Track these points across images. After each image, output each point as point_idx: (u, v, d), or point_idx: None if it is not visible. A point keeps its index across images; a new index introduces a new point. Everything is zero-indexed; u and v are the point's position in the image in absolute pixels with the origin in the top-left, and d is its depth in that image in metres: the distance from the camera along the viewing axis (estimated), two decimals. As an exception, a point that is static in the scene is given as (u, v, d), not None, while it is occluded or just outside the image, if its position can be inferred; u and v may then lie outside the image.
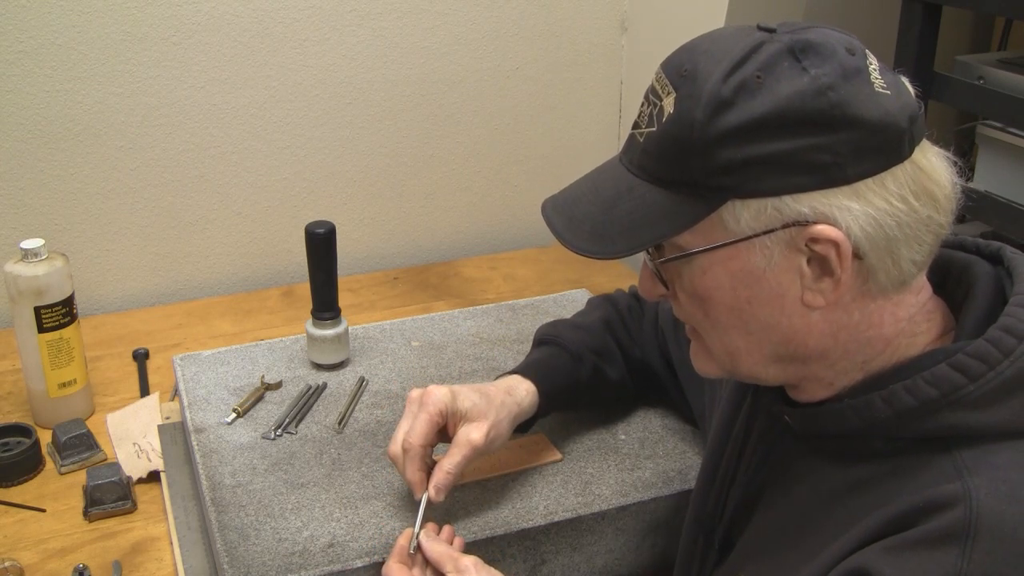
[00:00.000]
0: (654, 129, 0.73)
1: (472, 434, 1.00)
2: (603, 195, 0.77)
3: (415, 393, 1.02)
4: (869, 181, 0.70)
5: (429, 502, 0.99)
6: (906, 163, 0.71)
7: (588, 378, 1.13)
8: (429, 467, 1.01)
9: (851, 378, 0.77)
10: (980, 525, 0.66)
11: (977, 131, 1.38)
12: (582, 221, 0.78)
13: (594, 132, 1.91)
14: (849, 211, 0.69)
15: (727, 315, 0.76)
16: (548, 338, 1.16)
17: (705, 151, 0.70)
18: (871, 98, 0.69)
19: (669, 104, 0.72)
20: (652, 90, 0.75)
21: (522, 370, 1.10)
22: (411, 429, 0.99)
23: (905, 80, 0.74)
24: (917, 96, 0.74)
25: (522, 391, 1.07)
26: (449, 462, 0.99)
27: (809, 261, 0.72)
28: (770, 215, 0.70)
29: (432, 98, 1.77)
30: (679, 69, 0.72)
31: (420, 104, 1.77)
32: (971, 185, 1.37)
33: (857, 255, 0.71)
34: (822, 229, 0.70)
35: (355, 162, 1.76)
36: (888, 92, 0.70)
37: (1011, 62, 1.33)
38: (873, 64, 0.71)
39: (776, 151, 0.69)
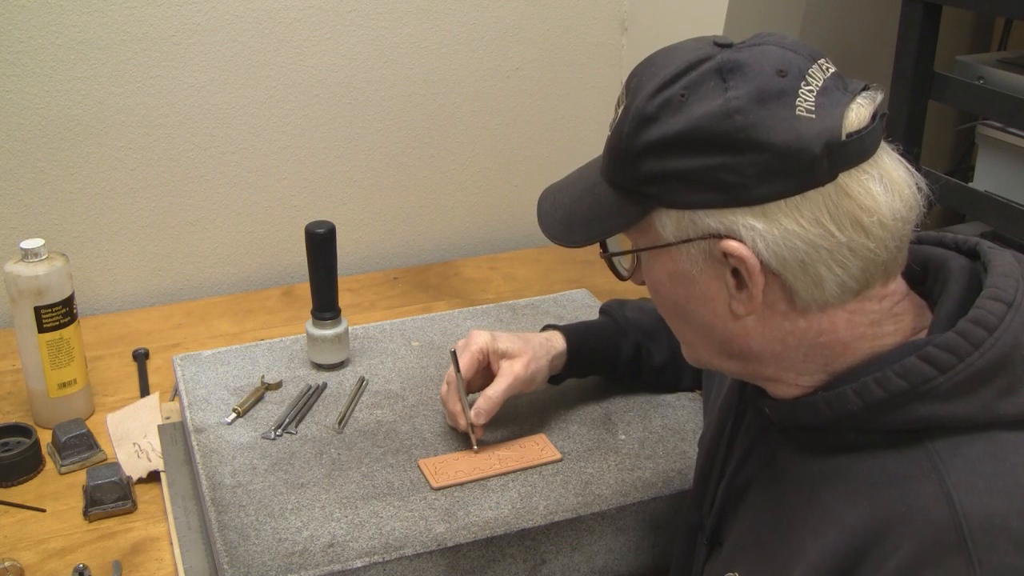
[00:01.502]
0: (609, 133, 0.79)
1: (516, 366, 1.13)
2: (578, 187, 0.85)
3: (460, 342, 1.16)
4: (780, 203, 0.71)
5: (473, 429, 1.13)
6: (828, 187, 0.71)
7: (629, 354, 1.22)
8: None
9: (816, 379, 0.78)
10: (971, 527, 0.66)
11: (977, 131, 1.38)
12: (558, 210, 0.86)
13: (594, 132, 1.91)
14: (754, 230, 0.72)
15: (674, 310, 0.81)
16: (606, 310, 1.27)
17: (631, 161, 0.75)
18: (784, 123, 0.70)
19: (619, 113, 0.78)
20: (618, 97, 0.79)
21: (562, 327, 1.22)
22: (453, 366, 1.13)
23: (861, 100, 0.72)
24: (876, 118, 0.72)
25: (556, 341, 1.19)
26: (492, 389, 1.13)
27: (733, 272, 0.74)
28: (687, 226, 0.74)
29: (432, 98, 1.77)
30: (631, 81, 0.78)
31: (420, 104, 1.77)
32: (971, 185, 1.37)
33: (771, 272, 0.73)
34: (731, 245, 0.72)
35: (355, 162, 1.76)
36: (812, 116, 0.70)
37: (1011, 62, 1.33)
38: (812, 85, 0.71)
39: (688, 168, 0.72)
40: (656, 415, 1.22)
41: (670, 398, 1.25)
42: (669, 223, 0.75)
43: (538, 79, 1.84)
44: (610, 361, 1.22)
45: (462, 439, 1.17)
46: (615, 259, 0.85)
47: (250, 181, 1.70)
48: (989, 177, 1.36)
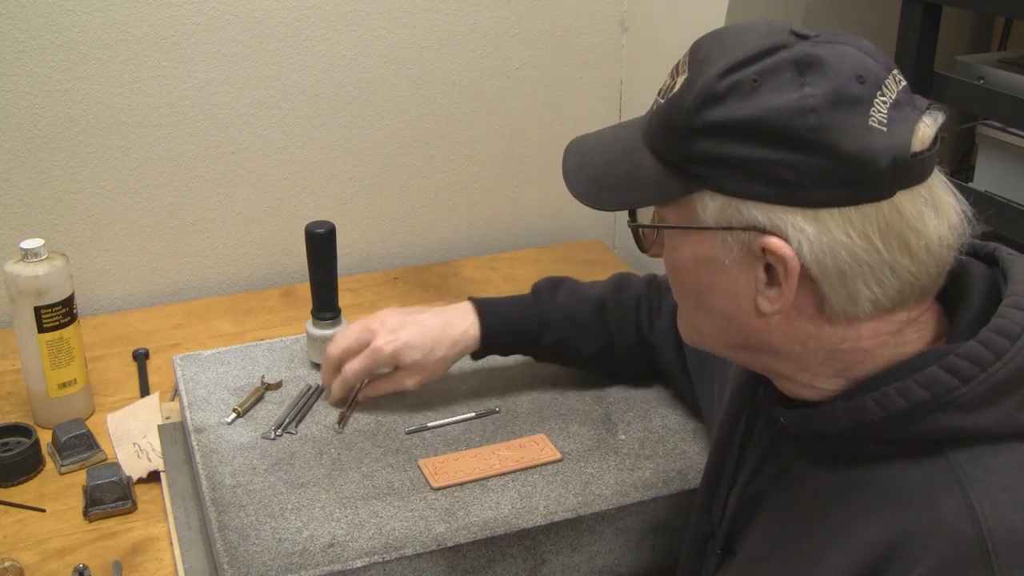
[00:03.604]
0: (662, 101, 0.76)
1: (407, 380, 1.19)
2: (614, 149, 0.81)
3: (374, 340, 1.18)
4: (833, 211, 0.69)
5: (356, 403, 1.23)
6: (883, 203, 0.69)
7: (552, 343, 1.21)
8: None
9: (834, 383, 0.77)
10: (995, 541, 0.65)
11: (977, 131, 1.38)
12: (587, 168, 0.83)
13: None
14: (803, 232, 0.70)
15: (692, 294, 0.79)
16: (537, 290, 1.23)
17: (687, 137, 0.72)
18: (856, 131, 0.68)
19: (678, 83, 0.74)
20: (676, 65, 0.76)
21: (481, 307, 1.21)
22: (353, 367, 1.18)
23: (927, 120, 0.72)
24: (936, 140, 0.72)
25: (461, 329, 1.19)
26: (382, 384, 1.21)
27: (767, 268, 0.73)
28: (731, 214, 0.72)
29: (432, 98, 1.77)
30: (698, 52, 0.74)
31: (420, 104, 1.77)
32: (971, 185, 1.37)
33: (808, 277, 0.71)
34: (774, 242, 0.71)
35: (355, 162, 1.76)
36: (883, 129, 0.69)
37: (1011, 62, 1.33)
38: (887, 97, 0.70)
39: (747, 156, 0.70)
40: (656, 415, 1.22)
41: (670, 398, 1.25)
42: (712, 206, 0.73)
43: (538, 79, 1.84)
44: (530, 348, 1.23)
45: (462, 439, 1.17)
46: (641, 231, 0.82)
47: (250, 181, 1.70)
48: (989, 177, 1.35)
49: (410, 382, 1.19)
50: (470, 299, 1.22)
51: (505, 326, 1.20)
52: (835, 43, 0.71)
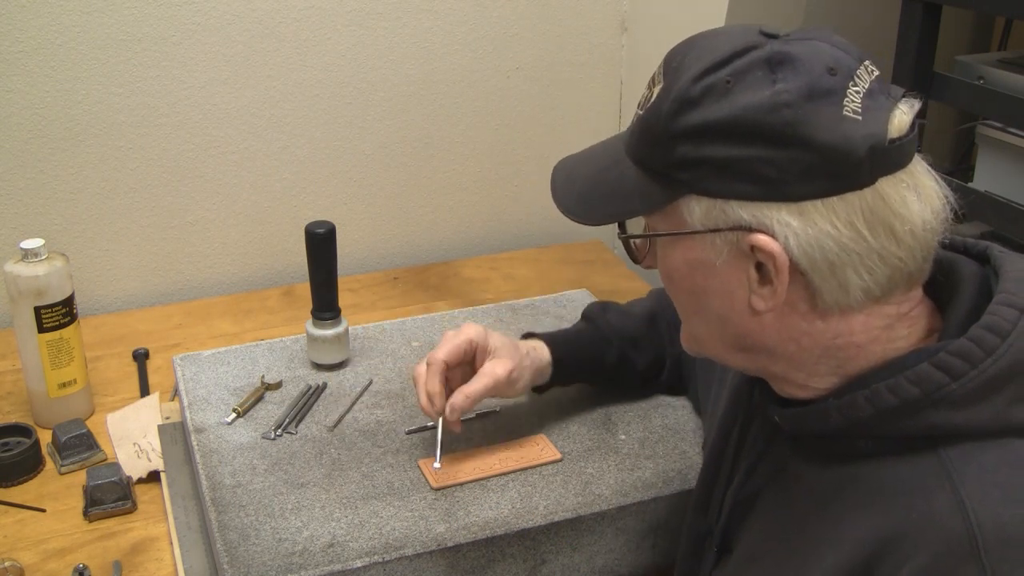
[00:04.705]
0: (641, 112, 0.77)
1: (497, 368, 1.09)
2: (599, 164, 0.82)
3: (451, 331, 1.12)
4: (817, 202, 0.70)
5: (444, 426, 1.09)
6: (865, 191, 0.70)
7: (614, 362, 1.19)
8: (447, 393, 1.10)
9: (828, 382, 0.77)
10: (986, 537, 0.65)
11: (977, 131, 1.38)
12: (576, 181, 0.83)
13: (594, 132, 1.91)
14: (789, 227, 0.70)
15: (688, 299, 0.79)
16: (589, 316, 1.23)
17: (666, 144, 0.73)
18: (831, 122, 0.69)
19: (655, 93, 0.75)
20: (653, 76, 0.77)
21: (546, 337, 1.17)
22: (438, 348, 1.10)
23: (903, 107, 0.72)
24: (915, 127, 0.72)
25: (542, 353, 1.15)
26: (470, 387, 1.08)
27: (758, 266, 0.73)
28: (717, 216, 0.73)
29: (432, 98, 1.77)
30: (672, 61, 0.75)
31: (420, 104, 1.77)
32: (971, 185, 1.37)
33: (798, 271, 0.72)
34: (761, 239, 0.71)
35: (355, 162, 1.76)
36: (858, 118, 0.69)
37: (1011, 62, 1.33)
38: (859, 87, 0.70)
39: (727, 156, 0.71)
40: (656, 415, 1.22)
41: (670, 398, 1.25)
42: (698, 210, 0.73)
43: (538, 79, 1.84)
44: (594, 371, 1.20)
45: (461, 439, 1.17)
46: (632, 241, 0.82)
47: (250, 181, 1.70)
48: (989, 177, 1.36)
49: (501, 370, 1.07)
50: (525, 334, 1.19)
51: (571, 347, 1.17)
52: (805, 40, 0.72)
